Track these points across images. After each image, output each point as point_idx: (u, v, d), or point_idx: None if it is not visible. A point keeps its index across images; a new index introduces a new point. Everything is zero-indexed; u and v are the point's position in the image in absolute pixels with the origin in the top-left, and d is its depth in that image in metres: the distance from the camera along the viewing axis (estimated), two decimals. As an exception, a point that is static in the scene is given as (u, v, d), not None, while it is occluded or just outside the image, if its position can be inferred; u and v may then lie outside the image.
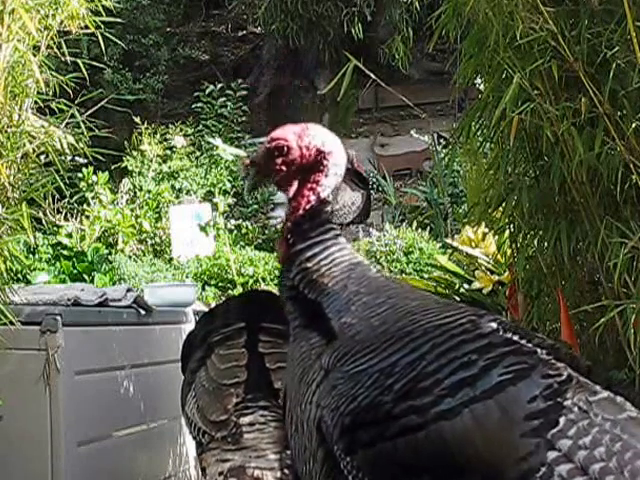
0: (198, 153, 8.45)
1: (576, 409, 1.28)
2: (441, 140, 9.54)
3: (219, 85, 9.19)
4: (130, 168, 7.98)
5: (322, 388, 1.53)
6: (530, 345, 1.41)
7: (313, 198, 1.67)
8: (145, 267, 6.65)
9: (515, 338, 1.43)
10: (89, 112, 2.84)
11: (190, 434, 2.53)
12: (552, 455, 1.25)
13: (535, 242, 2.63)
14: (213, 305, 6.33)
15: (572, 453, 1.24)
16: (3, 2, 2.42)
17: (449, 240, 4.80)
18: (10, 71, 2.48)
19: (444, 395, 1.34)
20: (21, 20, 2.45)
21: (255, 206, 8.85)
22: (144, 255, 7.21)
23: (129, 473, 3.17)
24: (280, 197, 9.21)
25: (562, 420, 1.27)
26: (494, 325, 1.47)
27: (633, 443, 1.24)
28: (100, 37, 2.74)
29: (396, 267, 6.69)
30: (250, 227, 8.15)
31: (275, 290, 2.50)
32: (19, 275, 5.50)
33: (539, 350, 1.40)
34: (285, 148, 1.65)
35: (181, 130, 8.41)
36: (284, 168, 1.67)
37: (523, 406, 1.29)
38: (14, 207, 2.54)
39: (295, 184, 1.69)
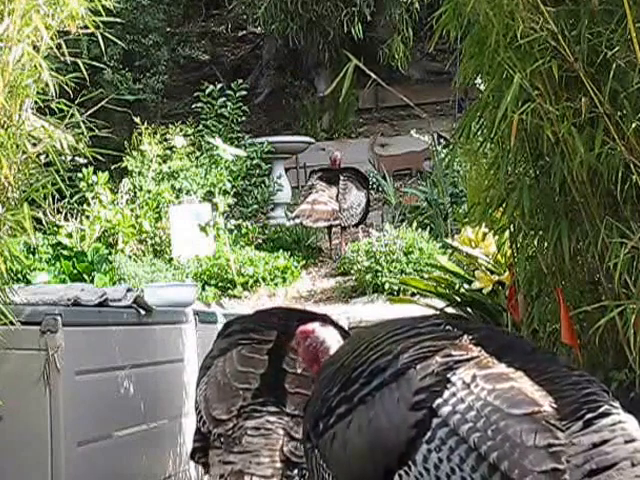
0: (198, 153, 8.43)
1: (460, 383, 1.51)
2: (441, 140, 9.53)
3: (219, 85, 9.16)
4: (130, 168, 7.98)
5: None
6: (459, 332, 1.64)
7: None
8: (145, 267, 6.65)
9: (448, 328, 1.67)
10: (89, 112, 2.84)
11: (196, 416, 2.53)
12: (435, 421, 1.49)
13: (535, 242, 2.64)
14: (212, 305, 6.34)
15: (449, 418, 1.48)
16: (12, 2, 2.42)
17: (449, 240, 4.80)
18: (17, 72, 2.48)
19: (365, 383, 1.61)
20: (32, 23, 2.45)
21: (255, 206, 8.85)
22: (144, 255, 7.21)
23: (129, 473, 3.17)
24: (280, 197, 9.20)
25: (446, 392, 1.51)
26: (437, 321, 1.72)
27: (503, 407, 1.45)
28: (100, 37, 2.73)
29: (396, 267, 6.69)
30: (250, 227, 8.15)
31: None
32: (19, 275, 5.51)
33: (465, 336, 1.62)
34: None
35: (181, 130, 8.39)
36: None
37: (416, 383, 1.54)
38: (14, 207, 2.54)
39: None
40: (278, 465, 2.28)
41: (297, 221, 7.83)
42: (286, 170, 9.81)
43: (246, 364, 2.45)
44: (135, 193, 7.78)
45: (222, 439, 2.35)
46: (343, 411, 1.61)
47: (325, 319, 2.76)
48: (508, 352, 1.59)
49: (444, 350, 1.57)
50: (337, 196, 7.88)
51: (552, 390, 1.48)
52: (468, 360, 1.54)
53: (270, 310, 3.01)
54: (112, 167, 7.83)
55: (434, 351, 1.57)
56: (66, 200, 6.68)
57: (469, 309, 3.62)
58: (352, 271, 7.11)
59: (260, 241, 8.17)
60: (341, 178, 7.99)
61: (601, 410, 1.43)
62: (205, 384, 2.51)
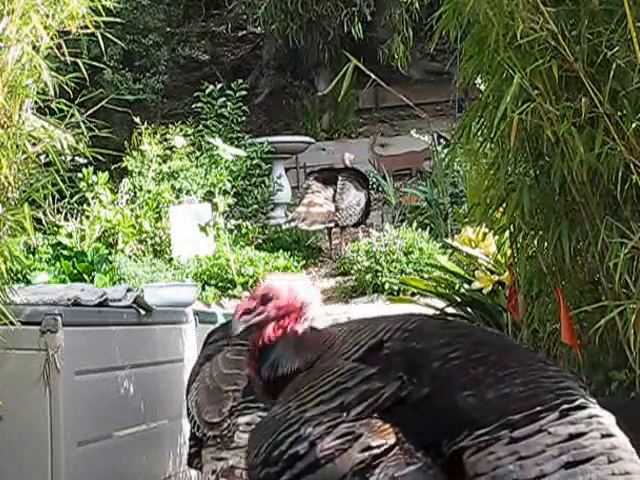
0: (198, 153, 8.43)
1: None
2: (441, 140, 9.53)
3: (219, 85, 9.16)
4: (130, 168, 7.98)
5: None
6: (385, 398, 1.53)
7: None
8: (145, 267, 6.65)
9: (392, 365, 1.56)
10: (89, 112, 2.84)
11: (189, 422, 2.56)
12: None
13: (535, 242, 2.64)
14: (212, 305, 6.33)
15: None
16: (11, 2, 2.42)
17: (449, 240, 4.80)
18: (16, 72, 2.48)
19: (285, 467, 1.54)
20: (31, 22, 2.45)
21: (255, 206, 8.85)
22: (144, 255, 7.21)
23: (129, 473, 3.17)
24: (280, 197, 9.20)
25: None
26: (387, 351, 1.59)
27: None
28: (100, 37, 2.73)
29: (396, 267, 6.69)
30: (250, 227, 8.15)
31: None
32: (19, 275, 5.50)
33: (374, 418, 1.52)
34: (275, 295, 1.81)
35: (181, 130, 8.39)
36: (272, 312, 1.81)
37: None
38: (15, 207, 2.54)
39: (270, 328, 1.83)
40: None
41: (293, 224, 7.82)
42: (286, 170, 9.81)
43: (231, 366, 2.50)
44: (135, 193, 7.77)
45: (218, 439, 2.38)
46: None
47: None
48: (483, 348, 1.58)
49: (362, 438, 1.51)
50: (334, 196, 7.86)
51: (527, 381, 1.47)
52: (387, 452, 1.50)
53: None
54: (112, 167, 7.83)
55: (350, 440, 1.51)
56: (66, 200, 6.68)
57: (469, 309, 3.62)
58: (352, 271, 7.11)
59: (260, 241, 8.17)
60: (339, 178, 7.97)
61: (577, 403, 1.43)
62: (195, 389, 2.56)
